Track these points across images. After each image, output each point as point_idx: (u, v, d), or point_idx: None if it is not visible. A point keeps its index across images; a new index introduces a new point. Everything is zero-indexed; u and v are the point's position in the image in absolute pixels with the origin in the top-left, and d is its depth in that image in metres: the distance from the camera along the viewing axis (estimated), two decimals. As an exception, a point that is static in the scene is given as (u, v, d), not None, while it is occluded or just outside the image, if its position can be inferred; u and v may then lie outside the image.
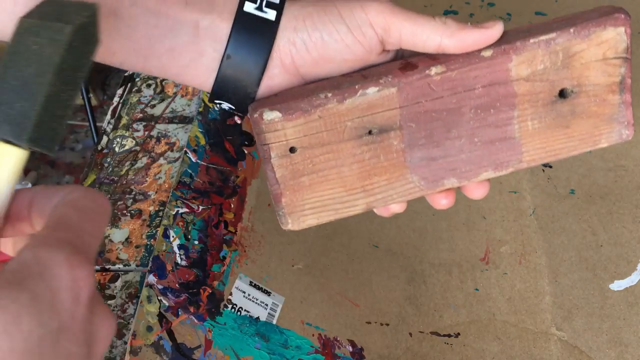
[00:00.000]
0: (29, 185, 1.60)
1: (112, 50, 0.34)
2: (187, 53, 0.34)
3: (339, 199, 0.37)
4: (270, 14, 0.34)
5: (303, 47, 0.34)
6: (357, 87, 0.34)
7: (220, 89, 0.35)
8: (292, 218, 0.37)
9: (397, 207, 0.37)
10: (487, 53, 0.34)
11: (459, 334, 0.56)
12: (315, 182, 0.36)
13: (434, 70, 0.34)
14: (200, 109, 0.61)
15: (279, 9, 0.34)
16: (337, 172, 0.36)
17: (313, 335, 0.53)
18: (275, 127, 0.34)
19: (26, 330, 0.21)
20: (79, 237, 0.25)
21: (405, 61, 0.36)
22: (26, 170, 1.67)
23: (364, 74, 0.35)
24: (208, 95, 0.36)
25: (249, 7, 0.34)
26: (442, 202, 0.37)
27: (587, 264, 0.59)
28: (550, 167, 0.65)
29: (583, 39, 0.34)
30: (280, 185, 0.36)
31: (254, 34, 0.34)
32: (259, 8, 0.34)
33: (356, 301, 0.57)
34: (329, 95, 0.34)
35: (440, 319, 0.57)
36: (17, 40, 0.27)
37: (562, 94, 0.35)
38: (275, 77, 0.35)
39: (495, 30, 0.34)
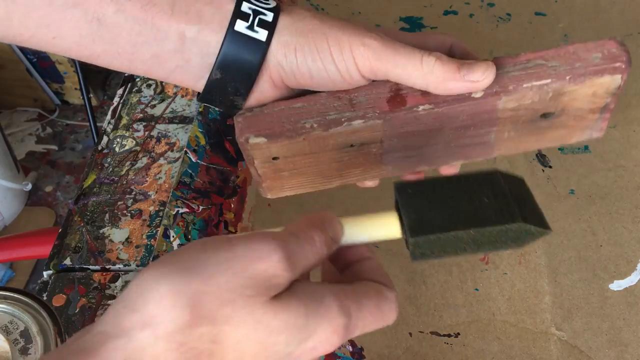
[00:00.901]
0: (29, 185, 1.60)
1: (96, 54, 0.35)
2: (173, 60, 0.34)
3: (317, 181, 0.38)
4: (262, 34, 0.33)
5: (291, 73, 0.34)
6: (343, 119, 0.34)
7: (207, 99, 0.36)
8: (272, 193, 0.39)
9: (370, 182, 0.39)
10: (478, 94, 0.34)
11: (459, 333, 0.56)
12: (294, 175, 0.37)
13: (421, 107, 0.34)
14: (201, 109, 0.61)
15: (271, 28, 0.34)
16: (316, 169, 0.37)
17: (313, 335, 0.53)
18: (260, 147, 0.35)
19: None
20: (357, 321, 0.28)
21: (395, 93, 0.35)
22: (26, 170, 1.67)
23: (352, 101, 0.35)
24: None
25: (240, 27, 0.33)
26: (409, 177, 0.39)
27: (586, 264, 0.59)
28: (550, 167, 0.65)
29: (577, 84, 0.33)
30: (262, 177, 0.37)
31: (244, 55, 0.34)
32: (251, 27, 0.33)
33: (356, 301, 0.57)
34: (315, 125, 0.34)
35: (440, 319, 0.57)
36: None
37: (545, 115, 0.35)
38: (264, 91, 0.35)
39: (484, 83, 0.33)
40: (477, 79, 0.33)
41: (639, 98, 0.65)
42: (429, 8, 0.77)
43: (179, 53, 0.34)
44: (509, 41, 0.74)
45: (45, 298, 0.51)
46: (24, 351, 0.37)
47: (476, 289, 0.58)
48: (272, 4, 0.34)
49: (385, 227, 0.31)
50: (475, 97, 0.34)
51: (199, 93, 0.36)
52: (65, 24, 0.33)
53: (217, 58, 0.34)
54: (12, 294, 0.38)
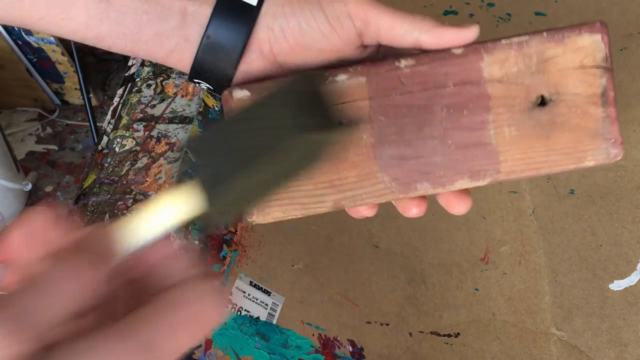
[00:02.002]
0: (29, 185, 1.60)
1: (101, 35, 0.35)
2: (174, 38, 0.35)
3: (306, 192, 0.36)
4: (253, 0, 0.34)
5: (281, 34, 0.35)
6: (326, 74, 0.34)
7: (198, 68, 0.36)
8: (258, 209, 0.36)
9: (367, 211, 0.36)
10: (458, 51, 0.34)
11: (458, 333, 0.56)
12: None
13: (403, 62, 0.34)
14: (201, 109, 0.61)
15: None
16: None
17: (313, 335, 0.53)
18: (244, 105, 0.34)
19: None
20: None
21: (379, 58, 0.35)
22: (26, 170, 1.67)
23: (337, 67, 0.35)
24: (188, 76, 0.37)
25: None
26: (413, 210, 0.36)
27: (586, 264, 0.59)
28: (550, 167, 0.66)
29: (557, 43, 0.33)
30: None
31: (234, 17, 0.34)
32: None
33: (356, 301, 0.57)
34: None
35: (440, 319, 0.57)
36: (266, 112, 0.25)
37: (540, 101, 0.34)
38: (252, 63, 0.36)
39: (470, 31, 0.34)
40: (464, 27, 0.34)
41: (638, 98, 0.65)
42: (429, 8, 0.77)
43: (179, 30, 0.35)
44: (509, 41, 0.74)
45: (45, 298, 0.51)
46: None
47: (476, 289, 0.58)
48: None
49: (174, 206, 0.25)
50: (456, 54, 0.34)
51: (189, 71, 0.36)
52: (75, 4, 0.34)
53: (208, 23, 0.34)
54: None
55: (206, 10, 0.35)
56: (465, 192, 0.36)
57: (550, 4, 0.77)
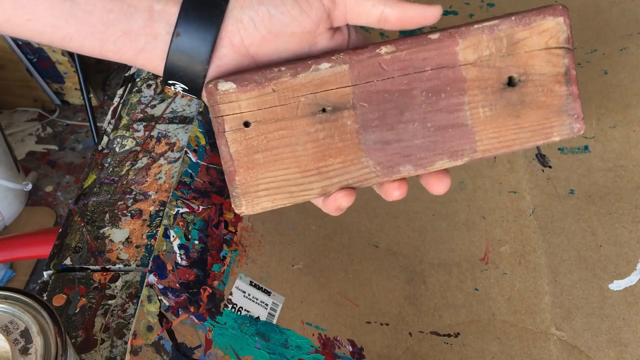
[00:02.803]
0: (29, 185, 1.60)
1: (69, 36, 0.35)
2: (142, 36, 0.35)
3: (294, 180, 0.37)
4: None
5: (251, 24, 0.35)
6: (309, 62, 0.35)
7: (171, 68, 0.36)
8: (246, 199, 0.37)
9: (344, 199, 0.37)
10: (434, 36, 0.36)
11: (458, 333, 0.56)
12: (269, 160, 0.36)
13: (384, 49, 0.36)
14: (201, 109, 0.61)
15: None
16: (291, 151, 0.36)
17: (313, 335, 0.53)
18: (230, 99, 0.35)
19: None
20: None
21: (357, 46, 0.37)
22: (26, 170, 1.67)
23: (317, 56, 0.36)
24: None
25: None
26: (395, 193, 0.37)
27: (586, 264, 0.59)
28: (550, 167, 0.65)
29: (525, 27, 0.36)
30: (234, 162, 0.36)
31: (203, 13, 0.34)
32: None
33: (356, 301, 0.57)
34: (283, 68, 0.35)
35: (440, 319, 0.57)
36: None
37: (510, 82, 0.37)
38: (224, 57, 0.36)
39: (434, 10, 0.36)
40: (428, 6, 0.36)
41: (638, 98, 0.65)
42: (429, 8, 0.77)
43: (147, 28, 0.35)
44: (508, 41, 0.74)
45: (45, 298, 0.51)
46: (24, 351, 0.37)
47: (476, 289, 0.58)
48: None
49: None
50: (433, 39, 0.36)
51: (163, 72, 0.36)
52: (40, 5, 0.34)
53: (177, 19, 0.34)
54: (12, 294, 0.38)
55: (173, 8, 0.35)
56: (444, 172, 0.38)
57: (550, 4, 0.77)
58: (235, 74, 0.36)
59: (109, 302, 0.51)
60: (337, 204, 0.37)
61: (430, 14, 0.36)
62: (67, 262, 0.54)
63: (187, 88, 0.37)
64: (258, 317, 0.52)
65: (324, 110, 0.36)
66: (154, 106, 0.66)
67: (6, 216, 1.56)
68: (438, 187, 0.38)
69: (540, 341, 0.55)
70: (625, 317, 0.55)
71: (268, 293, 0.54)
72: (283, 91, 0.35)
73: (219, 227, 0.55)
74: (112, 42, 0.35)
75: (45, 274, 0.54)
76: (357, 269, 0.59)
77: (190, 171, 0.56)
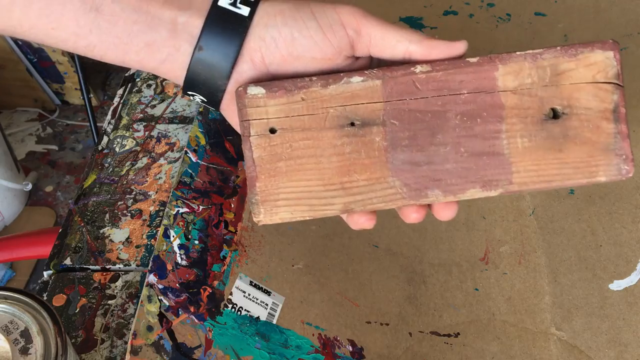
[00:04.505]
0: (29, 185, 1.60)
1: (92, 45, 0.35)
2: (165, 48, 0.35)
3: (316, 193, 0.35)
4: (244, 10, 0.35)
5: (273, 44, 0.35)
6: (342, 74, 0.35)
7: (192, 80, 0.36)
8: (265, 208, 0.35)
9: (366, 222, 0.36)
10: (473, 59, 0.35)
11: (458, 333, 0.56)
12: (292, 169, 0.35)
13: (419, 68, 0.35)
14: (201, 109, 0.61)
15: (253, 6, 0.35)
16: (315, 162, 0.35)
17: (313, 335, 0.53)
18: (258, 103, 0.35)
19: None
20: None
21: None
22: (26, 170, 1.67)
23: (349, 70, 0.36)
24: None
25: (224, 2, 0.35)
26: (413, 215, 0.36)
27: (586, 264, 0.59)
28: (550, 167, 0.65)
29: (571, 58, 0.34)
30: (257, 168, 0.35)
31: (226, 28, 0.34)
32: (233, 4, 0.35)
33: (356, 301, 0.57)
34: (314, 78, 0.35)
35: (440, 319, 0.57)
36: None
37: (553, 114, 0.35)
38: (244, 73, 0.36)
39: (459, 45, 0.35)
40: (453, 42, 0.35)
41: (638, 98, 0.65)
42: (429, 8, 0.77)
43: (170, 40, 0.35)
44: (508, 41, 0.74)
45: (45, 298, 0.51)
46: (24, 351, 0.37)
47: (476, 289, 0.58)
48: None
49: None
50: (472, 62, 0.34)
51: (183, 83, 0.36)
52: (65, 14, 0.34)
53: (200, 32, 0.34)
54: (12, 294, 0.38)
55: (197, 21, 0.35)
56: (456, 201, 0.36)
57: (550, 4, 0.77)
58: (262, 76, 0.35)
59: (109, 302, 0.51)
60: (360, 226, 0.36)
61: (455, 51, 0.35)
62: (67, 262, 0.54)
63: (205, 100, 0.37)
64: (258, 317, 0.52)
65: (352, 124, 0.35)
66: (154, 106, 0.66)
67: (6, 216, 1.56)
68: (444, 213, 0.36)
69: (540, 341, 0.55)
70: (625, 317, 0.55)
71: (268, 293, 0.54)
72: (312, 101, 0.35)
73: (219, 227, 0.55)
74: (135, 52, 0.35)
75: (45, 274, 0.54)
76: (357, 269, 0.59)
77: (190, 171, 0.56)
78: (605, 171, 0.35)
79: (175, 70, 0.36)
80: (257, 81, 0.36)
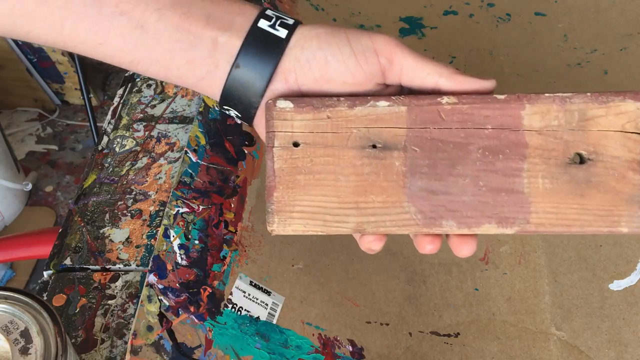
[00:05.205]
0: (29, 185, 1.60)
1: (136, 60, 0.37)
2: (204, 65, 0.36)
3: (330, 209, 0.36)
4: (282, 33, 0.36)
5: (307, 65, 0.36)
6: (369, 97, 0.35)
7: (227, 96, 0.37)
8: (280, 218, 0.36)
9: (375, 244, 0.36)
10: (501, 96, 0.35)
11: (458, 333, 0.56)
12: (310, 183, 0.36)
13: (445, 99, 0.35)
14: (201, 109, 0.61)
15: (291, 29, 0.36)
16: (333, 179, 0.36)
17: (313, 335, 0.53)
18: (285, 117, 0.36)
19: None
20: None
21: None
22: (26, 170, 1.67)
23: (376, 94, 0.36)
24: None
25: (263, 24, 0.36)
26: (428, 247, 0.36)
27: (586, 263, 0.59)
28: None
29: (601, 105, 0.34)
30: (276, 178, 0.36)
31: (263, 49, 0.36)
32: (272, 26, 0.36)
33: (356, 301, 0.57)
34: (341, 99, 0.36)
35: (440, 319, 0.57)
36: None
37: (578, 158, 0.34)
38: (277, 92, 0.37)
39: (488, 84, 0.35)
40: (483, 79, 0.35)
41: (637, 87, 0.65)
42: (428, 8, 0.77)
43: (210, 58, 0.36)
44: (508, 41, 0.74)
45: (45, 298, 0.51)
46: (24, 351, 0.37)
47: (476, 289, 0.58)
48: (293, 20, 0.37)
49: None
50: (499, 99, 0.34)
51: (220, 97, 0.38)
52: (112, 31, 0.36)
53: (238, 52, 0.36)
54: (12, 294, 0.38)
55: (236, 42, 0.36)
56: (472, 235, 0.36)
57: (550, 4, 0.77)
58: (294, 95, 0.36)
59: (109, 302, 0.51)
60: (368, 246, 0.37)
61: (484, 88, 0.35)
62: (67, 262, 0.54)
63: (240, 115, 0.38)
64: (258, 317, 0.52)
65: (374, 146, 0.36)
66: (154, 106, 0.66)
67: (6, 216, 1.56)
68: (462, 249, 0.36)
69: (540, 341, 0.55)
70: (625, 317, 0.55)
71: (268, 293, 0.54)
72: (337, 119, 0.36)
73: (219, 227, 0.55)
74: (176, 68, 0.37)
75: (45, 274, 0.54)
76: (357, 269, 0.59)
77: (190, 171, 0.56)
78: (627, 222, 0.34)
79: (213, 87, 0.37)
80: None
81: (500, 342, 0.55)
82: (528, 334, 0.56)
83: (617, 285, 0.57)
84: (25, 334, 0.37)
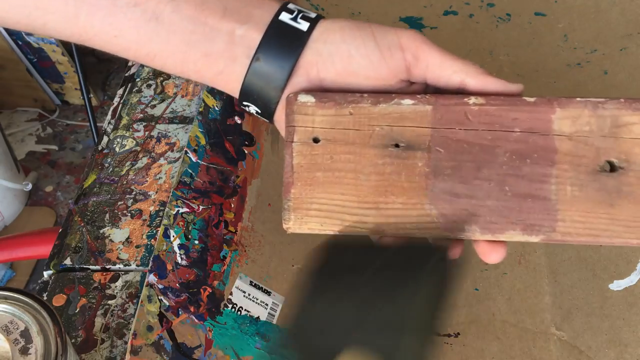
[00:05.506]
0: (29, 185, 1.60)
1: (152, 53, 0.36)
2: (222, 59, 0.36)
3: (349, 209, 0.34)
4: (303, 25, 0.35)
5: (329, 59, 0.35)
6: (393, 95, 0.34)
7: (247, 90, 0.36)
8: (296, 215, 0.35)
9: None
10: (531, 99, 0.33)
11: (459, 333, 0.56)
12: (329, 181, 0.34)
13: (472, 99, 0.34)
14: (201, 109, 0.61)
15: (313, 22, 0.35)
16: (353, 178, 0.34)
17: (313, 335, 0.53)
18: (306, 111, 0.35)
19: None
20: None
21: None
22: (26, 170, 1.67)
23: (401, 92, 0.35)
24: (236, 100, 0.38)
25: (285, 17, 0.35)
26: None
27: (586, 263, 0.59)
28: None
29: (634, 112, 0.33)
30: (294, 174, 0.35)
31: (284, 42, 0.35)
32: (294, 19, 0.35)
33: (356, 301, 0.57)
34: (365, 95, 0.34)
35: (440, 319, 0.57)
36: None
37: (608, 166, 0.33)
38: (298, 85, 0.36)
39: (515, 88, 0.34)
40: (510, 82, 0.34)
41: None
42: (428, 8, 0.77)
43: (227, 51, 0.35)
44: (508, 41, 0.74)
45: (45, 298, 0.51)
46: (24, 351, 0.37)
47: (476, 289, 0.58)
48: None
49: None
50: (529, 102, 0.33)
51: (240, 92, 0.37)
52: (126, 23, 0.35)
53: (258, 45, 0.35)
54: (12, 294, 0.38)
55: (255, 34, 0.35)
56: (504, 242, 0.34)
57: (550, 4, 0.77)
58: (315, 90, 0.35)
59: (109, 302, 0.51)
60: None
61: (510, 91, 0.34)
62: (67, 262, 0.54)
63: (260, 111, 0.37)
64: (258, 317, 0.52)
65: (397, 145, 0.34)
66: (154, 106, 0.66)
67: (6, 216, 1.56)
68: (491, 256, 0.34)
69: (540, 341, 0.55)
70: (625, 317, 0.55)
71: (268, 293, 0.54)
72: (360, 116, 0.34)
73: (219, 227, 0.55)
74: (193, 62, 0.36)
75: (45, 274, 0.54)
76: (357, 269, 0.59)
77: (190, 171, 0.56)
78: None
79: (232, 82, 0.36)
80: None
81: (500, 342, 0.55)
82: (528, 334, 0.56)
83: (617, 285, 0.57)
84: (25, 334, 0.37)
